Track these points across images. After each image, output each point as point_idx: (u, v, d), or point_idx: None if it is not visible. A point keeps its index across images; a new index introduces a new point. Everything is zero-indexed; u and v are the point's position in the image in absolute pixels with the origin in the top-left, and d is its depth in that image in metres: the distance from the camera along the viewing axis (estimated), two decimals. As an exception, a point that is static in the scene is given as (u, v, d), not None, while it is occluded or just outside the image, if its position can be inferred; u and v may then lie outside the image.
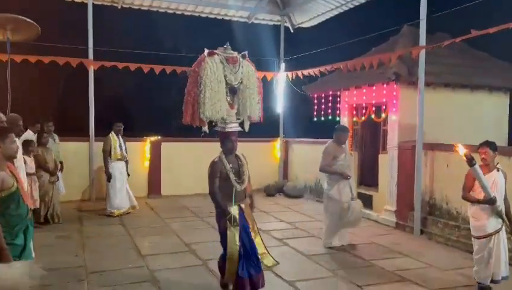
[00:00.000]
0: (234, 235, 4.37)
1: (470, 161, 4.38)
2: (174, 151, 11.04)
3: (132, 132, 10.58)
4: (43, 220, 7.69)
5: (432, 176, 7.45)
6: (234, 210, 4.43)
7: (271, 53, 12.49)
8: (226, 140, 4.51)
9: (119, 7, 10.99)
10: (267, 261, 4.75)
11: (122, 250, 6.39)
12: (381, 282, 5.21)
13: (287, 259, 5.97)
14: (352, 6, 10.65)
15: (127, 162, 8.95)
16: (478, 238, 4.71)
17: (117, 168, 8.72)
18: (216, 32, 12.56)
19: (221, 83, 4.49)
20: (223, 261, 4.57)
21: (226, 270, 4.48)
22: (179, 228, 7.75)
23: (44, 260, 5.54)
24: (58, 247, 6.50)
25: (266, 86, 5.07)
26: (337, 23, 12.00)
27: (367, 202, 8.61)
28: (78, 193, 10.12)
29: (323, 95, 10.44)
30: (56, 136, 8.77)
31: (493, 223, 4.62)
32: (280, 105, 12.23)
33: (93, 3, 10.36)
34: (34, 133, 8.04)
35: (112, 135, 8.77)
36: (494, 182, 4.62)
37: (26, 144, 7.00)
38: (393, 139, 8.13)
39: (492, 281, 4.71)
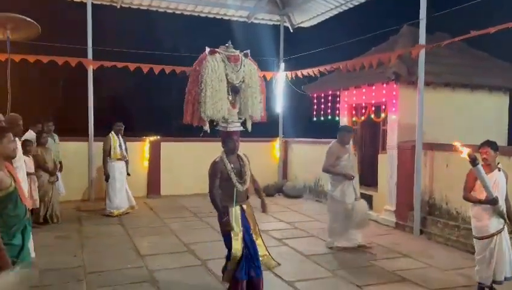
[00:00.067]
0: (238, 238, 4.33)
1: (474, 161, 4.33)
2: (174, 151, 11.03)
3: (131, 132, 10.56)
4: (42, 220, 7.67)
5: (432, 176, 7.44)
6: (236, 211, 4.38)
7: (270, 53, 12.48)
8: (228, 140, 4.45)
9: (118, 7, 10.98)
10: (268, 263, 4.70)
11: (121, 250, 6.37)
12: (381, 282, 5.19)
13: (287, 259, 5.94)
14: (351, 6, 10.63)
15: (127, 162, 8.94)
16: (480, 239, 4.67)
17: (117, 168, 8.71)
18: (215, 32, 12.51)
19: (222, 81, 4.44)
20: (227, 261, 4.51)
21: (226, 270, 4.45)
22: (178, 228, 7.74)
23: (43, 260, 5.57)
24: (57, 247, 6.48)
25: (266, 86, 5.03)
26: (336, 23, 11.99)
27: (367, 202, 8.55)
28: (78, 193, 10.10)
29: (322, 95, 10.43)
30: (56, 136, 8.76)
31: (495, 224, 4.59)
32: (279, 105, 12.22)
33: (92, 2, 10.35)
34: (36, 133, 8.04)
35: (112, 135, 8.76)
36: (496, 182, 4.59)
37: (24, 143, 6.99)
38: (392, 139, 8.12)
39: (494, 282, 4.66)
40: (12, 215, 3.20)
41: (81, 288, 4.92)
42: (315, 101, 10.66)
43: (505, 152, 5.91)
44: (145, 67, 9.98)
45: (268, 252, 4.69)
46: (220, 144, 4.56)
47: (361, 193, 8.67)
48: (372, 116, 8.70)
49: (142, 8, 11.43)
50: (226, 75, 4.49)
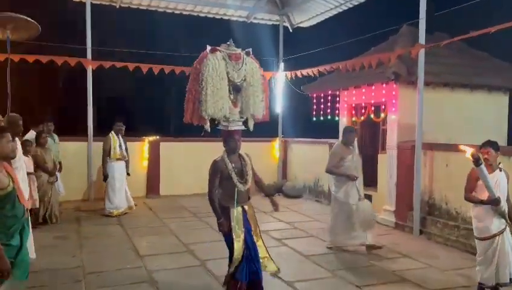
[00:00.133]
0: (240, 239, 4.28)
1: (477, 161, 4.28)
2: (173, 151, 11.02)
3: (131, 132, 10.55)
4: (41, 221, 7.65)
5: (431, 176, 7.43)
6: (237, 212, 4.33)
7: (270, 53, 12.48)
8: (229, 139, 4.38)
9: (118, 6, 10.96)
10: (268, 266, 4.65)
11: (120, 250, 6.36)
12: (381, 282, 5.18)
13: (286, 259, 5.93)
14: (351, 5, 10.63)
15: (127, 162, 8.93)
16: (482, 239, 4.62)
17: (117, 168, 8.69)
18: (215, 32, 12.51)
19: (223, 80, 4.38)
20: (229, 262, 4.45)
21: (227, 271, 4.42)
22: (177, 228, 7.72)
23: (42, 261, 5.55)
24: (56, 247, 6.46)
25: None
26: (336, 23, 11.99)
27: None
28: (77, 193, 10.07)
29: (322, 95, 10.42)
30: (56, 136, 8.76)
31: (497, 224, 4.54)
32: (279, 105, 12.21)
33: (91, 2, 10.33)
34: (36, 133, 8.03)
35: (112, 135, 8.74)
36: (497, 182, 4.55)
37: (24, 144, 6.97)
38: (392, 139, 8.11)
39: (499, 284, 4.57)
40: (10, 216, 3.19)
41: (80, 288, 4.91)
42: (314, 101, 10.65)
43: (505, 152, 5.89)
44: (145, 67, 9.95)
45: (268, 254, 4.63)
46: (220, 143, 4.52)
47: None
48: (372, 116, 8.69)
49: (141, 7, 11.41)
50: (227, 73, 4.42)
